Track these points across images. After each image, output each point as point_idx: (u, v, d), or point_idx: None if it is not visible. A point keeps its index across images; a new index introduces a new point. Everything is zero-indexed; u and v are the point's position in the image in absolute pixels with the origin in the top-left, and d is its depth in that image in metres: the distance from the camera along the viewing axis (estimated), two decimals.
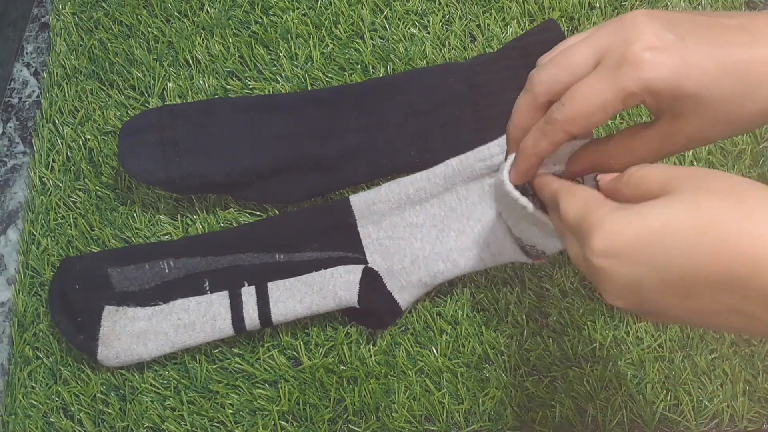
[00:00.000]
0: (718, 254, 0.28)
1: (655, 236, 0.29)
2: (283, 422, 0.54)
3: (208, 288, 0.54)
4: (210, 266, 0.55)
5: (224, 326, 0.54)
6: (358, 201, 0.56)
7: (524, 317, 0.55)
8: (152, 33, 0.65)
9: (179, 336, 0.54)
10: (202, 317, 0.54)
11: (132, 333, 0.54)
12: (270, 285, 0.54)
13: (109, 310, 0.54)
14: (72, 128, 0.62)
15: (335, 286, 0.54)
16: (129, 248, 0.57)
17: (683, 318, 0.31)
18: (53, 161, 0.62)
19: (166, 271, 0.55)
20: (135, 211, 0.60)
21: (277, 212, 0.59)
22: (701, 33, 0.33)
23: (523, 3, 0.64)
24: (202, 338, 0.54)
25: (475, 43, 0.63)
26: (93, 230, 0.59)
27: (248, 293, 0.54)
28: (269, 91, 0.62)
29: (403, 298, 0.54)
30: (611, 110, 0.34)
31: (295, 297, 0.54)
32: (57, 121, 0.63)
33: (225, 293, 0.54)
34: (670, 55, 0.32)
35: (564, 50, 0.36)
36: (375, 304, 0.54)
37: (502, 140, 0.52)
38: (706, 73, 0.32)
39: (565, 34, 0.60)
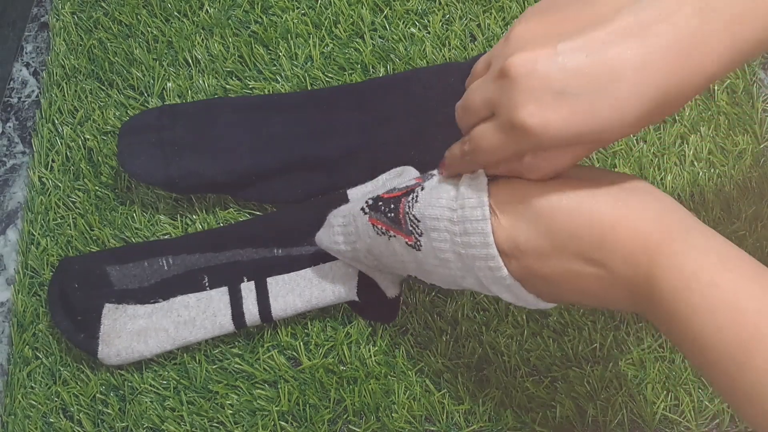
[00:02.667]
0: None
1: None
2: (282, 422, 0.54)
3: (207, 284, 0.54)
4: (209, 262, 0.55)
5: (224, 322, 0.54)
6: (356, 193, 0.56)
7: (524, 317, 0.55)
8: (152, 33, 0.65)
9: (180, 332, 0.54)
10: (202, 313, 0.54)
11: (132, 330, 0.54)
12: (269, 280, 0.54)
13: (109, 308, 0.54)
14: (71, 128, 0.62)
15: (334, 280, 0.54)
16: (127, 247, 0.57)
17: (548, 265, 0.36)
18: (53, 161, 0.62)
19: (165, 268, 0.55)
20: (134, 211, 0.60)
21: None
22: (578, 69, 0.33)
23: (524, 2, 0.63)
24: (203, 334, 0.54)
25: (476, 42, 0.63)
26: (92, 230, 0.59)
27: (248, 288, 0.54)
28: (269, 90, 0.62)
29: (394, 292, 0.54)
30: (515, 158, 0.36)
31: (294, 291, 0.54)
32: (56, 121, 0.63)
33: (224, 289, 0.54)
34: (554, 115, 0.33)
35: (467, 93, 0.38)
36: (374, 298, 0.54)
37: None
38: (591, 109, 0.33)
39: None
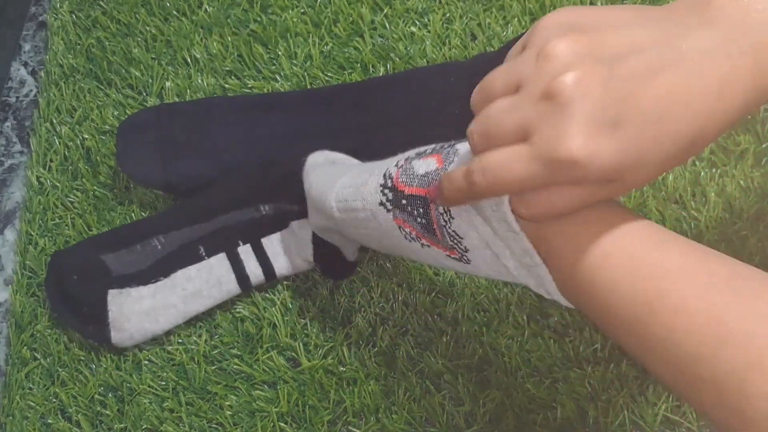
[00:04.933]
0: None
1: None
2: (282, 424, 0.53)
3: (204, 254, 0.54)
4: (200, 233, 0.55)
5: (231, 287, 0.55)
6: (318, 156, 0.54)
7: (525, 318, 0.55)
8: (150, 32, 0.65)
9: (189, 306, 0.54)
10: (206, 283, 0.54)
11: (141, 312, 0.54)
12: (264, 241, 0.55)
13: (113, 294, 0.54)
14: (70, 127, 0.62)
15: (297, 243, 0.54)
16: (116, 231, 0.57)
17: None
18: (51, 161, 0.62)
19: (159, 248, 0.55)
20: (133, 210, 0.59)
21: None
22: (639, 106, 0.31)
23: (524, 1, 0.63)
24: (212, 302, 0.55)
25: (476, 41, 0.63)
26: (91, 230, 0.59)
27: (245, 252, 0.54)
28: (268, 90, 0.62)
29: (348, 252, 0.54)
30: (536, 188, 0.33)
31: (290, 250, 0.54)
32: (54, 121, 0.63)
33: (222, 255, 0.54)
34: (605, 147, 0.30)
35: (489, 114, 0.33)
36: (328, 260, 0.54)
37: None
38: (644, 148, 0.31)
39: None
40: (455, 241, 0.37)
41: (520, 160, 0.32)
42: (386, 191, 0.40)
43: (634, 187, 0.33)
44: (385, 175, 0.41)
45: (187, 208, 0.56)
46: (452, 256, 0.39)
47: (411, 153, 0.41)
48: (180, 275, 0.54)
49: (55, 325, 0.57)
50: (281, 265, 0.55)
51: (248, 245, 0.54)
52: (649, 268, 0.31)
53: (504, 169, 0.32)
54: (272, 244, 0.55)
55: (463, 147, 0.38)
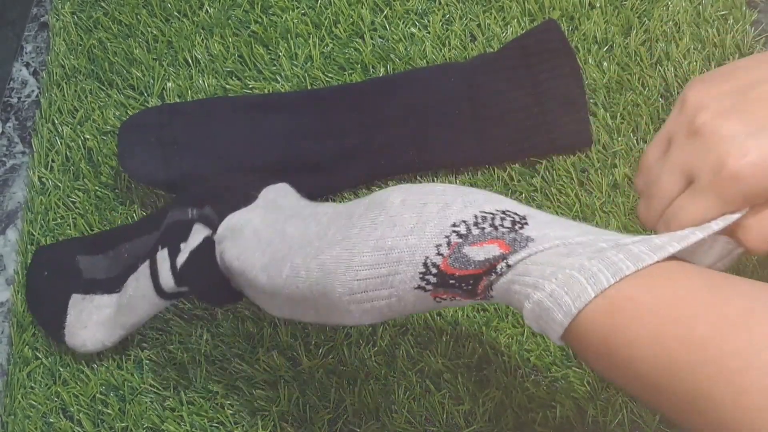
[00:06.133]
0: None
1: None
2: (282, 423, 0.53)
3: (139, 263, 0.52)
4: (149, 242, 0.53)
5: (152, 298, 0.49)
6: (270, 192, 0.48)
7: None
8: (152, 32, 0.65)
9: (120, 318, 0.52)
10: (138, 294, 0.50)
11: (98, 321, 0.54)
12: (183, 246, 0.48)
13: (75, 299, 0.54)
14: (71, 128, 0.62)
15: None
16: (99, 235, 0.57)
17: None
18: (52, 161, 0.62)
19: (125, 255, 0.55)
20: (134, 210, 0.60)
21: None
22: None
23: (524, 2, 0.63)
24: (142, 314, 0.51)
25: (476, 42, 0.63)
26: (92, 230, 0.59)
27: (162, 257, 0.49)
28: (269, 90, 0.62)
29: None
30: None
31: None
32: (56, 121, 0.63)
33: (146, 264, 0.50)
34: (757, 151, 0.32)
35: (653, 181, 0.36)
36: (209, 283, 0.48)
37: None
38: None
39: (566, 33, 0.60)
40: (488, 295, 0.36)
41: (689, 202, 0.34)
42: (429, 277, 0.36)
43: None
44: (426, 264, 0.36)
45: (154, 215, 0.56)
46: (476, 300, 0.37)
47: (446, 229, 0.36)
48: (124, 287, 0.53)
49: None
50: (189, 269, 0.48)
51: (165, 249, 0.48)
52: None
53: (681, 216, 0.34)
54: (187, 246, 0.48)
55: (536, 232, 0.35)
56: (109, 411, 0.55)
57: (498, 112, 0.57)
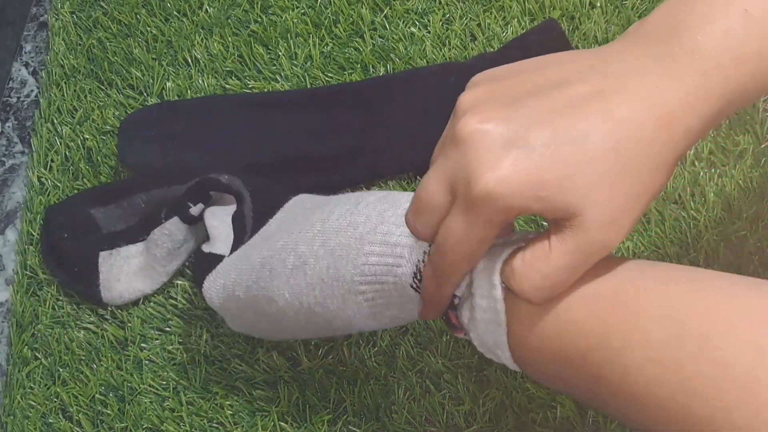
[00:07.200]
0: None
1: None
2: (282, 423, 0.53)
3: (163, 217, 0.54)
4: (172, 195, 0.54)
5: (191, 247, 0.54)
6: (302, 200, 0.50)
7: None
8: (151, 32, 0.65)
9: (167, 267, 0.55)
10: (176, 246, 0.54)
11: (129, 272, 0.54)
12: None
13: (103, 257, 0.54)
14: (71, 128, 0.62)
15: None
16: (103, 186, 0.57)
17: None
18: (52, 161, 0.62)
19: (142, 205, 0.55)
20: None
21: None
22: (548, 123, 0.29)
23: (524, 2, 0.63)
24: (181, 261, 0.55)
25: (476, 42, 0.63)
26: None
27: (197, 210, 0.52)
28: (269, 90, 0.62)
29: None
30: (489, 242, 0.31)
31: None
32: (55, 121, 0.63)
33: (175, 219, 0.53)
34: (519, 170, 0.28)
35: (419, 187, 0.32)
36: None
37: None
38: (569, 162, 0.28)
39: (566, 33, 0.60)
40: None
41: (453, 218, 0.30)
42: (417, 281, 0.37)
43: (618, 230, 0.29)
44: (417, 266, 0.37)
45: (171, 170, 0.56)
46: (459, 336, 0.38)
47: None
48: (150, 237, 0.54)
49: (56, 323, 0.57)
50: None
51: (200, 205, 0.52)
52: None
53: (447, 237, 0.31)
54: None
55: None
56: (108, 411, 0.54)
57: None
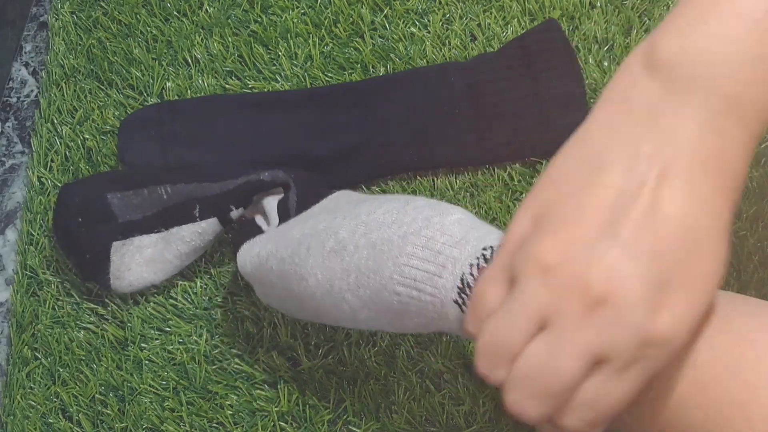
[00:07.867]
0: None
1: None
2: (282, 423, 0.53)
3: (197, 214, 0.54)
4: (204, 192, 0.54)
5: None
6: (343, 196, 0.50)
7: None
8: (151, 32, 0.65)
9: (184, 261, 0.56)
10: (201, 244, 0.55)
11: (141, 262, 0.54)
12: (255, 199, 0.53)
13: (116, 246, 0.54)
14: (70, 128, 0.62)
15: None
16: (124, 172, 0.57)
17: None
18: (52, 161, 0.62)
19: (165, 197, 0.54)
20: None
21: None
22: None
23: (524, 2, 0.63)
24: (196, 257, 0.56)
25: (476, 42, 0.63)
26: None
27: (237, 215, 0.53)
28: (268, 90, 0.62)
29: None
30: None
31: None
32: (55, 121, 0.63)
33: (214, 220, 0.54)
34: (675, 310, 0.29)
35: (530, 370, 0.33)
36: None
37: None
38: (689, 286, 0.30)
39: (566, 33, 0.60)
40: None
41: (603, 384, 0.30)
42: (464, 296, 0.36)
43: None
44: (463, 280, 0.36)
45: (198, 167, 0.56)
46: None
47: (478, 250, 0.37)
48: (175, 233, 0.54)
49: (55, 323, 0.57)
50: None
51: (240, 209, 0.53)
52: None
53: (605, 400, 0.30)
54: (269, 203, 0.52)
55: None
56: (108, 411, 0.54)
57: (498, 112, 0.57)
